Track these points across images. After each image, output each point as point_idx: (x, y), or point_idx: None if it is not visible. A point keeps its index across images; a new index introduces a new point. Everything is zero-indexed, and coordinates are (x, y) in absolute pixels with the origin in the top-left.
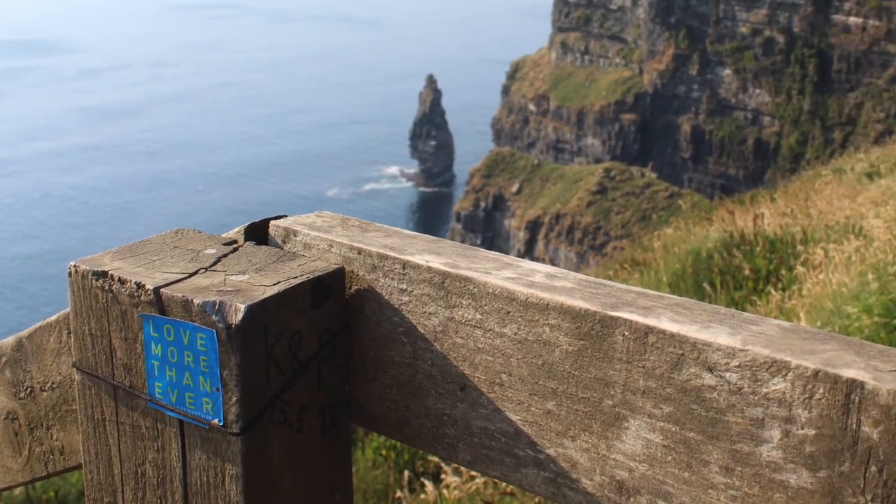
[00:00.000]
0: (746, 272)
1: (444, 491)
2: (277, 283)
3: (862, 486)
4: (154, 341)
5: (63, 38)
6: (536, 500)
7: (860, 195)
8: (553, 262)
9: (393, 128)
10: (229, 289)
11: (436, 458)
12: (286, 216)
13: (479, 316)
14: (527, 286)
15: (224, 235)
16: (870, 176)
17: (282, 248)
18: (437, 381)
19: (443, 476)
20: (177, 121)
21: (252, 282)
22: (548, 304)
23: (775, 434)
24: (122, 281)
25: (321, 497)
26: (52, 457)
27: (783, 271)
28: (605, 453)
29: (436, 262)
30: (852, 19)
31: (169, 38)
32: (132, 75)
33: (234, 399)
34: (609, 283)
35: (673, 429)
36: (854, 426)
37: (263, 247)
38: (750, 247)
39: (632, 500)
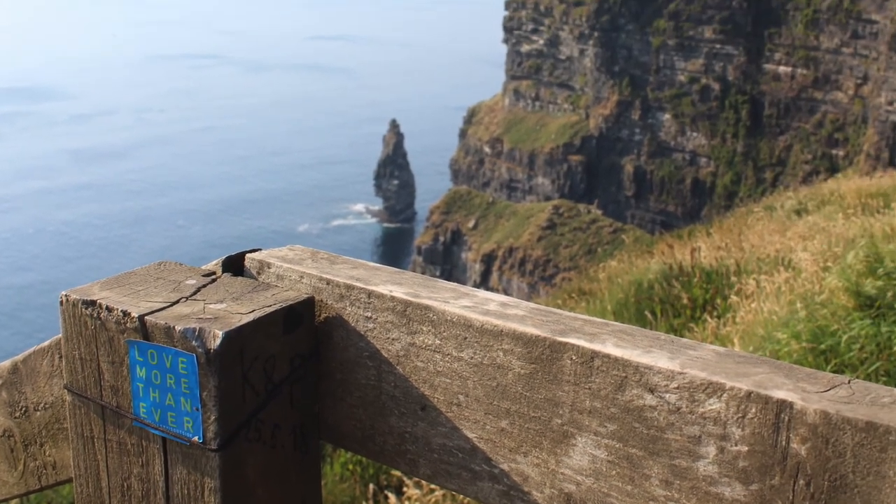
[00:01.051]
0: (684, 301)
1: (406, 503)
2: (253, 311)
3: (791, 498)
4: (139, 365)
5: (55, 86)
6: None
7: (789, 230)
8: (506, 292)
9: (359, 168)
10: (208, 316)
11: (398, 473)
12: (260, 249)
13: (439, 341)
14: (482, 314)
15: (203, 267)
16: (798, 213)
17: (257, 279)
18: (400, 401)
19: (405, 489)
20: (161, 162)
21: (229, 310)
22: (501, 331)
23: (711, 450)
24: (109, 309)
25: None
26: (45, 471)
27: (718, 300)
28: (554, 468)
29: (398, 292)
30: (782, 68)
31: (154, 86)
32: (119, 120)
33: (213, 418)
34: (558, 311)
35: (617, 445)
36: (784, 443)
37: (240, 278)
38: (688, 278)
39: None
